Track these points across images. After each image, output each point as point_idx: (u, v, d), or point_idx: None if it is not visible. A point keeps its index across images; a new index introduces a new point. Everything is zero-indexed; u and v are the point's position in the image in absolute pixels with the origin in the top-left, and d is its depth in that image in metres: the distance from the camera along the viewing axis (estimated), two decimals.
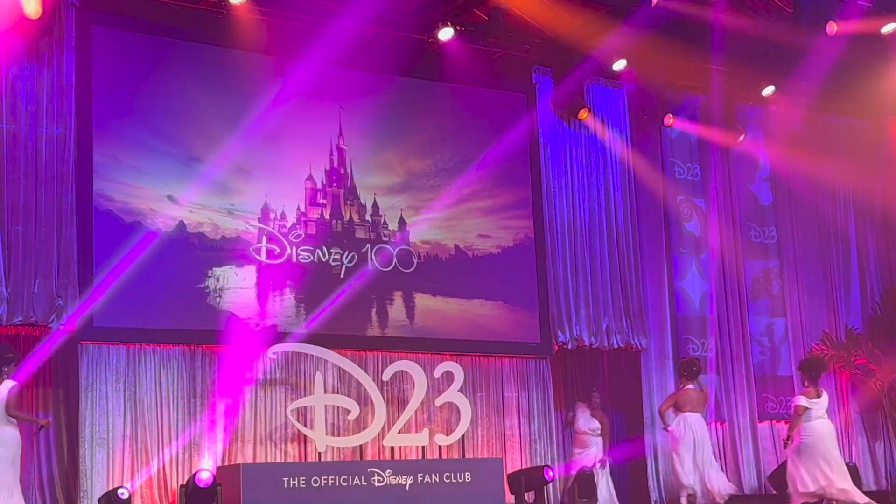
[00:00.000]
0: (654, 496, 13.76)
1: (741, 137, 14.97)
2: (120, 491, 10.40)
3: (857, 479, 13.28)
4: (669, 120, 14.49)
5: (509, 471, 12.38)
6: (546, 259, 13.50)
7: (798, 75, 14.45)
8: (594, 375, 13.85)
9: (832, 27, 13.30)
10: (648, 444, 13.87)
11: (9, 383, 9.67)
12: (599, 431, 13.06)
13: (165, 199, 11.58)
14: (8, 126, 10.74)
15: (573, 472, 12.84)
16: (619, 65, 13.80)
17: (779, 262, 15.35)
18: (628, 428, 14.01)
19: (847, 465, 12.09)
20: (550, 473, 12.26)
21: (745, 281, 15.06)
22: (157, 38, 11.75)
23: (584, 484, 12.60)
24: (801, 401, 11.44)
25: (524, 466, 12.76)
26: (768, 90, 14.79)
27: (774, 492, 13.64)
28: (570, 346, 13.45)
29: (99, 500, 10.51)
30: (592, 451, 12.98)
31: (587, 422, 13.12)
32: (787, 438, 11.62)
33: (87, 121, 11.19)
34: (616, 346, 13.73)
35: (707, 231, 14.88)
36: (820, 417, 11.44)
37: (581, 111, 13.81)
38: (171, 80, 11.73)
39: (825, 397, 11.57)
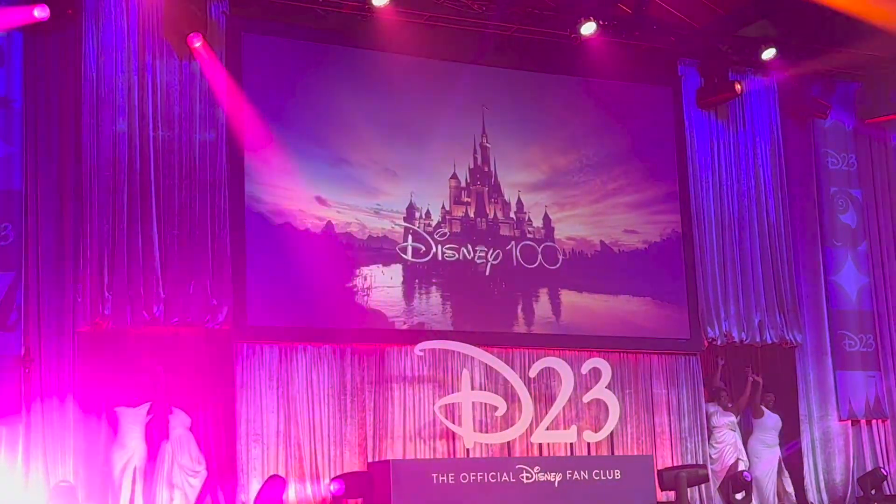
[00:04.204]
0: (811, 496, 13.39)
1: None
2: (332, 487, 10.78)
3: None
4: (825, 115, 14.14)
5: (660, 468, 12.24)
6: (694, 253, 13.29)
7: None
8: (724, 374, 13.53)
9: None
10: (806, 443, 13.53)
11: None
12: (735, 424, 12.98)
13: (314, 200, 11.82)
14: (163, 133, 11.11)
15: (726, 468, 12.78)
16: (769, 53, 13.46)
17: None
18: (784, 425, 13.63)
19: None
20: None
21: None
22: (303, 42, 11.99)
23: (738, 480, 12.48)
24: None
25: (675, 464, 12.59)
26: None
27: None
28: (719, 342, 13.21)
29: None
30: (729, 447, 12.88)
31: (721, 416, 13.02)
32: None
33: (238, 126, 11.49)
34: (769, 342, 13.43)
35: (865, 222, 14.43)
36: None
37: (735, 84, 13.43)
38: (317, 84, 11.95)
39: None
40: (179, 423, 10.86)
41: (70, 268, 10.57)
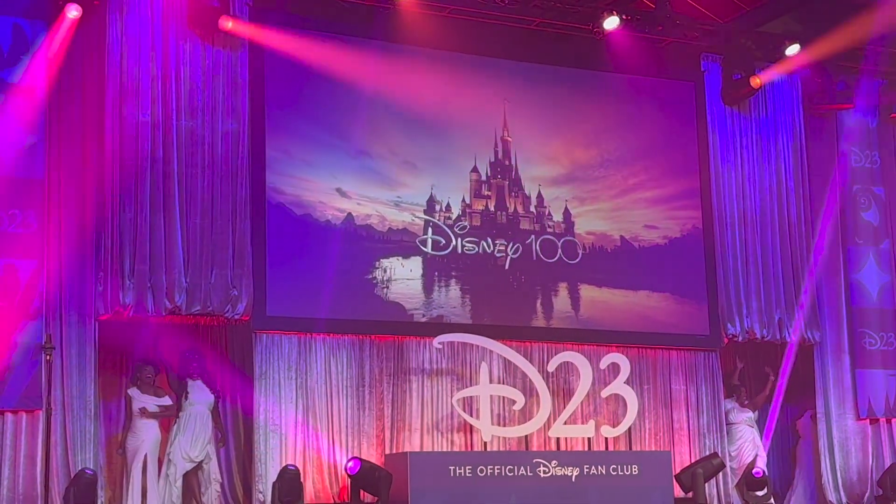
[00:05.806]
0: (829, 495, 13.34)
1: None
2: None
3: None
4: (851, 103, 14.06)
5: (677, 465, 12.24)
6: (715, 250, 13.26)
7: None
8: (743, 373, 13.53)
9: None
10: (823, 441, 13.47)
11: None
12: (753, 420, 13.06)
13: (334, 191, 11.84)
14: (186, 123, 11.13)
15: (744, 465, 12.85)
16: (793, 49, 13.39)
17: None
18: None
19: None
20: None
21: None
22: (326, 34, 11.98)
23: (750, 478, 12.57)
24: None
25: (693, 461, 12.57)
26: None
27: None
28: (740, 339, 13.17)
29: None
30: (748, 444, 12.96)
31: (739, 413, 13.09)
32: None
33: (260, 116, 11.50)
34: (788, 340, 13.38)
35: (887, 220, 14.34)
36: None
37: (755, 79, 13.34)
38: (339, 76, 11.95)
39: None
40: (199, 398, 10.89)
41: (92, 256, 10.62)
